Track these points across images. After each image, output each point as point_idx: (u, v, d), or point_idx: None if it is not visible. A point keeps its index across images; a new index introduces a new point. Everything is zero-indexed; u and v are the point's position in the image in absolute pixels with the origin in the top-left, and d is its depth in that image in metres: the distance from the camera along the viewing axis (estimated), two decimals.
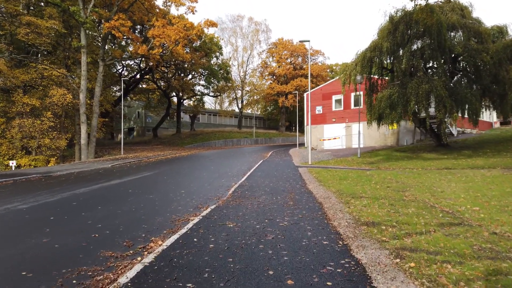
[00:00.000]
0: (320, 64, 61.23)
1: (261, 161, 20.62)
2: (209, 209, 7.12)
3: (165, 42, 28.25)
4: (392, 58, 19.43)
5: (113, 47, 34.08)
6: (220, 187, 10.83)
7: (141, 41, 30.08)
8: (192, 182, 12.04)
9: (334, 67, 70.99)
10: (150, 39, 29.17)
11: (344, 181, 11.01)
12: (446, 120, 18.23)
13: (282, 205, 7.41)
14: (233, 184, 11.54)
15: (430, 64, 18.84)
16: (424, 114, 22.39)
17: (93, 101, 27.96)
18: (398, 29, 17.65)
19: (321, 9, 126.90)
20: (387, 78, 21.87)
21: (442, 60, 17.25)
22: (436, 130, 23.56)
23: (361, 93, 31.19)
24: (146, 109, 49.50)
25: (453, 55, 18.60)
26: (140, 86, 48.83)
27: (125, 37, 29.71)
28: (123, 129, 58.45)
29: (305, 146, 35.33)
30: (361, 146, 31.28)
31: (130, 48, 32.12)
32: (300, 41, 17.79)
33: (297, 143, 37.65)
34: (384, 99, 17.93)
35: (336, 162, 18.76)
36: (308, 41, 17.82)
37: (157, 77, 44.39)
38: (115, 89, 44.29)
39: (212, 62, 45.39)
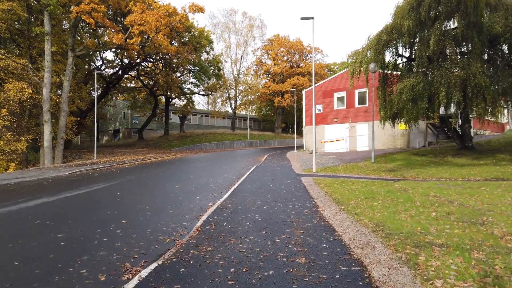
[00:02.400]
0: (318, 62, 57.89)
1: (254, 167, 17.00)
2: (135, 280, 3.47)
3: (144, 30, 24.54)
4: (414, 41, 15.94)
5: (89, 37, 30.24)
6: (188, 212, 7.16)
7: (119, 30, 26.34)
8: (151, 201, 8.36)
9: (332, 66, 67.72)
10: (128, 27, 25.47)
11: (373, 201, 7.39)
12: (490, 115, 14.75)
13: (285, 266, 3.77)
14: (209, 205, 7.89)
15: (462, 49, 15.38)
16: (450, 111, 19.06)
17: (61, 98, 24.15)
18: (424, 2, 14.16)
19: (319, 5, 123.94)
20: (398, 72, 18.37)
21: (479, 42, 13.78)
22: (459, 130, 20.14)
23: (367, 90, 27.94)
24: (132, 109, 45.49)
25: (487, 36, 15.17)
26: (127, 84, 45.01)
27: (99, 25, 25.89)
28: (108, 131, 54.74)
29: (304, 149, 31.78)
30: (367, 149, 27.82)
31: (106, 38, 28.29)
32: (302, 18, 14.23)
33: (295, 145, 34.07)
34: (405, 90, 14.42)
35: (346, 169, 15.17)
36: (312, 18, 14.27)
37: (142, 73, 40.59)
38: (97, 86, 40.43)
39: (202, 58, 41.73)
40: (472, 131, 29.36)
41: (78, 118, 27.18)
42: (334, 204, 7.18)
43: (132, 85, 45.08)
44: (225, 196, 8.92)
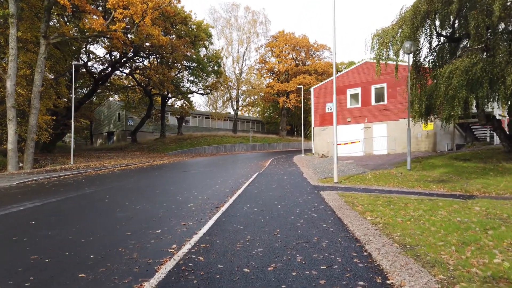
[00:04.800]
0: (325, 61, 54.26)
1: (255, 175, 13.36)
2: None
3: (129, 15, 21.12)
4: (461, 13, 12.27)
5: (72, 26, 26.87)
6: (117, 279, 3.53)
7: (101, 16, 22.92)
8: (70, 244, 4.74)
9: (340, 66, 64.15)
10: (111, 11, 22.10)
11: (486, 254, 3.70)
12: None
13: None
14: (170, 251, 4.24)
15: None
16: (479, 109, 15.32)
17: (31, 93, 20.71)
18: None
19: (324, 3, 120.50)
20: (427, 66, 14.69)
21: None
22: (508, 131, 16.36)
23: (385, 84, 24.35)
24: (126, 109, 41.99)
25: None
26: (121, 83, 41.68)
27: (76, 9, 22.48)
28: (102, 133, 51.33)
29: (313, 152, 28.14)
30: (385, 152, 24.09)
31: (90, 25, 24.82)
32: None
33: (302, 149, 30.40)
34: (457, 73, 10.74)
35: (377, 178, 11.43)
36: None
37: (136, 70, 37.18)
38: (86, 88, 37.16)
39: (201, 54, 38.29)
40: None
41: (54, 117, 23.66)
42: (412, 262, 3.47)
43: (129, 85, 41.75)
44: (204, 230, 5.28)
